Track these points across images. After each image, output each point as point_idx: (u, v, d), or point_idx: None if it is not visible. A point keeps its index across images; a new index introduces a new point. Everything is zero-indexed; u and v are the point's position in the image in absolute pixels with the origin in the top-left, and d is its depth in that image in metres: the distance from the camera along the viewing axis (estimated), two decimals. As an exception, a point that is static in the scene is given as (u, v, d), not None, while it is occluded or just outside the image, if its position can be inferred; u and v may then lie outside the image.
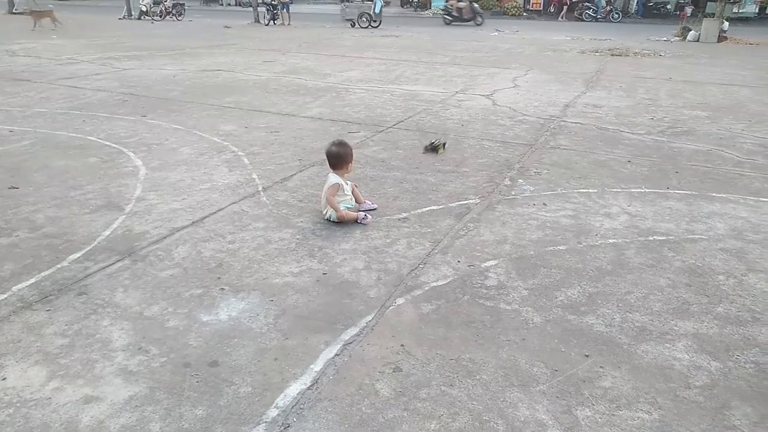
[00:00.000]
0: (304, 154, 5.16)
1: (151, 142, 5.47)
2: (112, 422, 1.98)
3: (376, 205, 3.91)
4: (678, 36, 18.49)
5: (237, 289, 2.87)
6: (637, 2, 30.70)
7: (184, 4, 26.04)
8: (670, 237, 3.52)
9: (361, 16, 22.49)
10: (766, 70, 11.17)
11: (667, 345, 2.44)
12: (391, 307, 2.71)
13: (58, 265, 3.07)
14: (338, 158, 3.70)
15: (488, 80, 9.49)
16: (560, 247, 3.36)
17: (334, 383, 2.19)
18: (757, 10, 29.57)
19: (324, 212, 3.69)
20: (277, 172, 4.63)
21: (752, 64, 12.06)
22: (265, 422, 1.99)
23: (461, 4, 23.86)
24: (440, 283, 2.94)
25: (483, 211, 3.88)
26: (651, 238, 3.49)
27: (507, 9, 31.25)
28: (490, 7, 30.87)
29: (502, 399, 2.11)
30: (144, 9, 24.72)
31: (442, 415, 2.03)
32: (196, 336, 2.47)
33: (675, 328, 2.57)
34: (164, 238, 3.43)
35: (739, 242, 3.45)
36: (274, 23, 22.89)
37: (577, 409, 2.06)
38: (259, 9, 24.05)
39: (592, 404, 2.09)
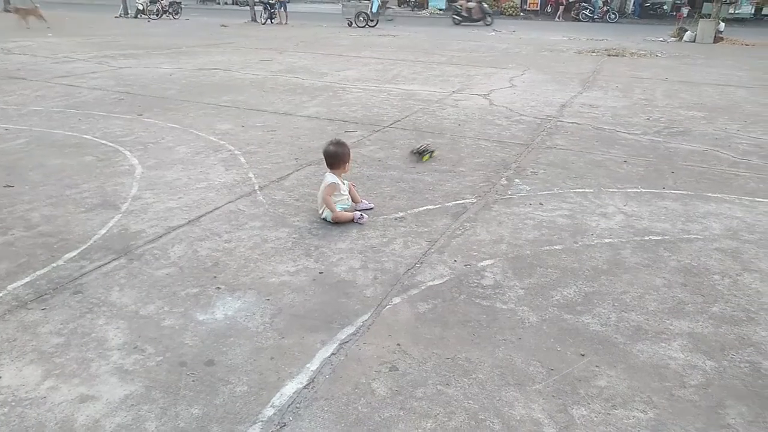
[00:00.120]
0: (300, 153, 5.15)
1: (147, 140, 5.46)
2: (108, 421, 1.97)
3: (372, 205, 3.91)
4: (674, 36, 18.54)
5: (233, 288, 2.86)
6: (634, 3, 30.78)
7: (180, 3, 25.96)
8: (666, 237, 3.53)
9: (358, 15, 22.46)
10: (761, 71, 11.21)
11: (663, 344, 2.45)
12: (387, 307, 2.71)
13: (54, 264, 3.06)
14: (336, 158, 3.70)
15: (485, 80, 9.50)
16: (556, 247, 3.36)
17: (331, 382, 2.19)
18: (753, 11, 29.68)
19: (320, 211, 3.68)
20: (274, 171, 4.63)
21: (748, 65, 12.10)
22: (261, 421, 1.98)
23: (471, 4, 23.81)
24: (437, 282, 2.95)
25: (479, 211, 3.88)
26: (647, 238, 3.50)
27: (504, 9, 31.27)
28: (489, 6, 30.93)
29: (498, 398, 2.11)
30: (140, 7, 24.63)
31: (438, 414, 2.03)
32: (192, 335, 2.47)
33: (670, 327, 2.58)
34: (160, 236, 3.43)
35: (735, 242, 3.47)
36: (272, 22, 22.86)
37: (572, 408, 2.06)
38: (256, 8, 24.02)
39: (588, 403, 2.09)
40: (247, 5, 25.59)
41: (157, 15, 24.65)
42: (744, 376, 2.25)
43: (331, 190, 3.62)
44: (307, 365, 2.28)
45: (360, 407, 2.06)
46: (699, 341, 2.48)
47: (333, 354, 2.36)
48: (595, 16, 28.22)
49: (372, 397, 2.11)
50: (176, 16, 25.02)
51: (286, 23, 22.76)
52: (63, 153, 5.00)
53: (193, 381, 2.18)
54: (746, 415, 2.04)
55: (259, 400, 2.09)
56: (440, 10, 33.39)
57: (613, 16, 28.10)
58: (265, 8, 22.94)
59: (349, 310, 2.68)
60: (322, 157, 3.80)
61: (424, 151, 4.95)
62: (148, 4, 24.72)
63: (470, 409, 2.06)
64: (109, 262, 3.09)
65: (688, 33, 18.03)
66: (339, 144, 3.74)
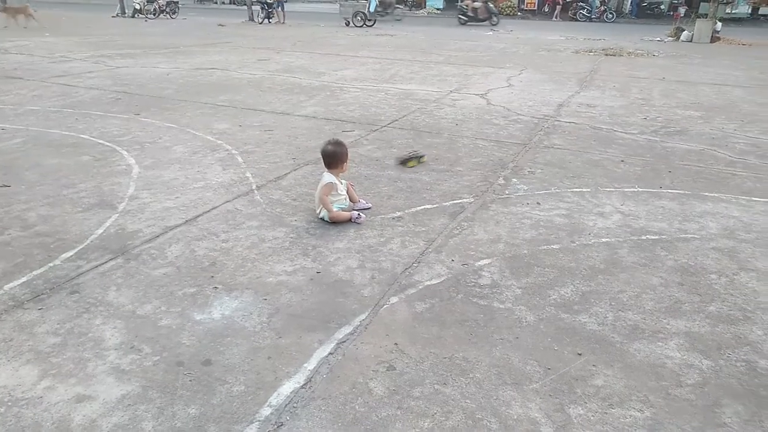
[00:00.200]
0: (298, 152, 5.15)
1: (144, 140, 5.45)
2: (105, 421, 1.97)
3: (370, 204, 3.91)
4: (671, 36, 18.57)
5: (230, 287, 2.86)
6: (631, 2, 30.83)
7: (177, 2, 25.93)
8: (663, 236, 3.53)
9: (355, 14, 22.45)
10: (758, 71, 11.24)
11: (660, 343, 2.46)
12: (384, 306, 2.71)
13: (51, 264, 3.05)
14: (333, 157, 3.70)
15: (482, 80, 9.50)
16: (554, 246, 3.37)
17: (328, 382, 2.19)
18: (749, 11, 29.76)
19: (318, 211, 3.68)
20: (271, 171, 4.62)
21: (745, 65, 12.13)
22: (259, 421, 1.98)
23: (476, 4, 23.76)
24: (434, 281, 2.95)
25: (477, 210, 3.88)
26: (644, 238, 3.51)
27: (501, 9, 31.25)
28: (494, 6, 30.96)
29: (495, 397, 2.12)
30: (137, 7, 24.58)
31: (435, 413, 2.03)
32: (189, 335, 2.47)
33: (667, 326, 2.59)
34: (157, 236, 3.42)
35: (731, 241, 3.47)
36: (269, 21, 22.84)
37: (569, 408, 2.07)
38: (253, 7, 23.99)
39: (585, 402, 2.10)
40: (245, 5, 25.59)
41: (154, 14, 24.60)
42: (740, 375, 2.26)
43: (328, 190, 3.62)
44: (305, 365, 2.28)
45: (357, 407, 2.06)
46: (695, 340, 2.48)
47: (330, 353, 2.36)
48: (593, 16, 28.26)
49: (369, 397, 2.11)
50: (173, 16, 24.98)
51: (283, 23, 22.73)
52: (60, 153, 4.99)
53: (190, 381, 2.18)
54: (742, 414, 2.05)
55: (256, 400, 2.08)
56: (438, 9, 33.40)
57: (611, 15, 28.14)
58: (262, 8, 22.92)
59: (346, 309, 2.68)
60: (320, 156, 3.80)
61: (409, 158, 4.81)
62: (145, 3, 24.65)
63: (467, 408, 2.06)
64: (106, 262, 3.09)
65: (685, 33, 18.07)
66: (337, 143, 3.74)
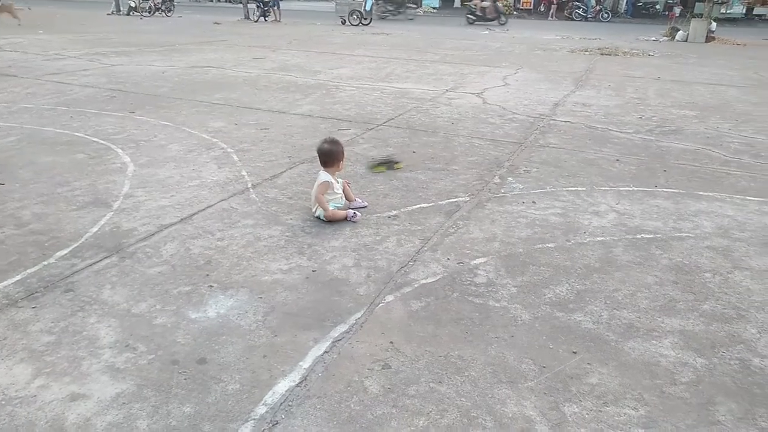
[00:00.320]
0: (293, 151, 5.14)
1: (139, 138, 5.43)
2: (99, 420, 1.96)
3: (366, 203, 3.91)
4: (667, 36, 18.64)
5: (225, 286, 2.85)
6: (627, 2, 30.93)
7: (173, 0, 25.84)
8: (658, 235, 3.55)
9: (351, 13, 22.42)
10: (752, 70, 11.28)
11: (654, 342, 2.47)
12: (380, 305, 2.71)
13: (45, 262, 3.04)
14: (330, 156, 3.69)
15: (478, 79, 9.51)
16: (549, 245, 3.37)
17: (323, 380, 2.18)
18: (744, 11, 29.88)
19: (314, 210, 3.68)
20: (267, 169, 4.62)
21: (739, 64, 12.18)
22: (254, 419, 1.98)
23: (485, 4, 23.71)
24: (430, 280, 2.95)
25: (472, 209, 3.89)
26: (639, 236, 3.52)
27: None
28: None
29: (490, 395, 2.12)
30: (133, 4, 24.52)
31: (430, 411, 2.03)
32: (184, 333, 2.46)
33: (662, 325, 2.60)
34: (152, 235, 3.41)
35: (726, 240, 3.49)
36: (265, 20, 22.79)
37: (564, 406, 2.07)
38: (249, 6, 23.93)
39: (580, 400, 2.10)
40: (240, 3, 25.50)
41: (149, 12, 24.53)
42: (734, 374, 2.27)
43: (324, 189, 3.62)
44: (300, 363, 2.28)
45: (353, 405, 2.06)
46: (690, 339, 2.49)
47: (326, 352, 2.35)
48: (588, 16, 28.33)
49: (365, 395, 2.11)
50: (168, 14, 24.91)
51: (279, 21, 22.69)
52: (54, 150, 4.96)
53: (185, 379, 2.18)
54: (736, 412, 2.06)
55: (252, 398, 2.08)
56: (434, 8, 33.42)
57: (606, 15, 28.23)
58: (258, 6, 22.87)
59: (342, 308, 2.68)
60: (316, 155, 3.80)
61: (378, 163, 4.64)
62: (141, 1, 24.59)
63: (463, 406, 2.06)
64: (100, 260, 3.08)
65: (680, 32, 18.14)
66: (333, 142, 3.73)
